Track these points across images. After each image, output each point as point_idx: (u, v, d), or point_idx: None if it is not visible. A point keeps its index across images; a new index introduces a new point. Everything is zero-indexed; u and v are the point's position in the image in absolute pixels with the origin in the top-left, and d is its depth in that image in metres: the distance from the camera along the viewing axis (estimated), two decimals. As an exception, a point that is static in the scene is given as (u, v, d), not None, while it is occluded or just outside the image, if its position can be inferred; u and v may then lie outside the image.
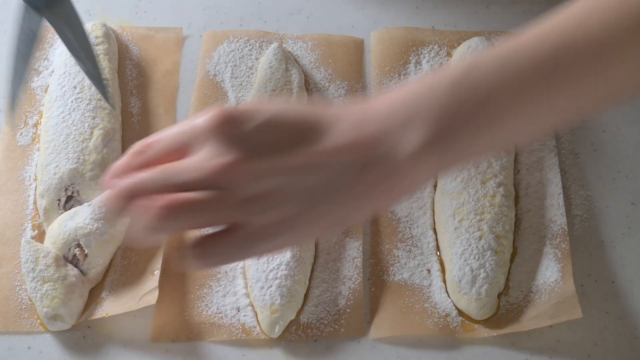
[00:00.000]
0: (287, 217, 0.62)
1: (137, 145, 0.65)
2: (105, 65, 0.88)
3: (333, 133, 0.62)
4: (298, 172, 0.62)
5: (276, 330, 0.76)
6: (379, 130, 0.62)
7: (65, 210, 0.80)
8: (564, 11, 0.62)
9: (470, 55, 0.87)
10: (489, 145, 0.64)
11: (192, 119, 0.63)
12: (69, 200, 0.81)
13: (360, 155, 0.62)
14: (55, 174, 0.81)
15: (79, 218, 0.78)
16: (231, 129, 0.61)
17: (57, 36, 0.92)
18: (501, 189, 0.80)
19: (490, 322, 0.77)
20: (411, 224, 0.82)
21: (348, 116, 0.63)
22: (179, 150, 0.63)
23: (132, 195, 0.61)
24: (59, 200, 0.81)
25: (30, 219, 0.82)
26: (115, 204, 0.62)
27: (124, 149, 0.85)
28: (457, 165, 0.66)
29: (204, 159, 0.62)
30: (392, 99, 0.63)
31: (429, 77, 0.63)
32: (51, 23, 0.80)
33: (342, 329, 0.77)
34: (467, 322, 0.77)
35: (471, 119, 0.62)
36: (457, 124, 0.62)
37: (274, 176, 0.61)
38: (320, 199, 0.62)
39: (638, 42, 0.61)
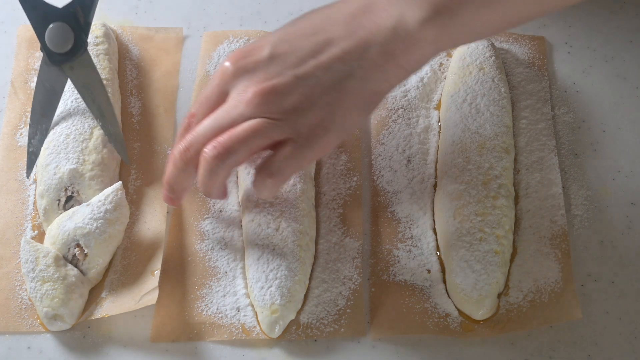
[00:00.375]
0: (324, 113, 0.70)
1: (184, 121, 0.75)
2: (105, 65, 0.88)
3: (331, 33, 0.70)
4: (313, 73, 0.70)
5: (276, 330, 0.76)
6: (379, 13, 0.69)
7: (65, 210, 0.80)
8: None
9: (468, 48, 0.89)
10: (490, 22, 0.70)
11: (214, 74, 0.72)
12: (69, 200, 0.81)
13: (364, 37, 0.69)
14: (55, 174, 0.81)
15: (78, 218, 0.78)
16: (247, 62, 0.70)
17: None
18: (502, 189, 0.80)
19: (490, 322, 0.77)
20: (411, 224, 0.82)
21: (340, 8, 0.71)
22: (219, 102, 0.72)
23: (191, 151, 0.71)
24: (59, 200, 0.81)
25: (30, 219, 0.82)
26: (181, 165, 0.72)
27: (124, 149, 0.85)
28: (460, 40, 0.73)
29: (237, 96, 0.70)
30: None
31: None
32: (72, 79, 0.83)
33: (342, 329, 0.77)
34: (467, 322, 0.77)
35: None
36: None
37: (296, 85, 0.69)
38: (342, 87, 0.70)
39: None
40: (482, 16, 0.69)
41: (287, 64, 0.70)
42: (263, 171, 0.72)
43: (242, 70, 0.71)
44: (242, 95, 0.70)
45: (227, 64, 0.71)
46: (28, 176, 0.84)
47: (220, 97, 0.72)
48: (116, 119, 0.84)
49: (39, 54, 0.91)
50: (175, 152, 0.73)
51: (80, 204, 0.80)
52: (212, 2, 0.97)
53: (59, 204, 0.80)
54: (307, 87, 0.69)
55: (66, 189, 0.81)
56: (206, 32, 0.94)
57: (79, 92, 0.82)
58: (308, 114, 0.70)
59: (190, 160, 0.72)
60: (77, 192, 0.81)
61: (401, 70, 0.71)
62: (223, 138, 0.70)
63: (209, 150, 0.70)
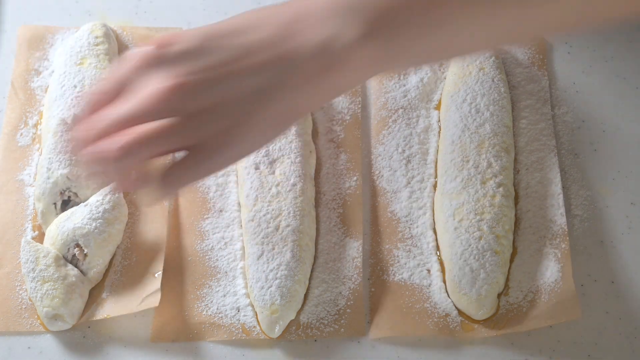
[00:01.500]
0: (235, 123, 0.63)
1: (93, 96, 0.66)
2: (106, 65, 0.88)
3: (260, 34, 0.63)
4: (233, 78, 0.63)
5: (276, 330, 0.76)
6: (312, 26, 0.62)
7: (63, 211, 0.80)
8: None
9: None
10: (434, 49, 0.64)
11: (134, 55, 0.64)
12: (67, 203, 0.80)
13: (289, 49, 0.62)
14: (48, 179, 0.80)
15: (77, 218, 0.78)
16: (169, 51, 0.63)
17: (56, 36, 0.93)
18: (501, 189, 0.80)
19: (490, 322, 0.77)
20: (411, 224, 0.82)
21: (278, 15, 0.64)
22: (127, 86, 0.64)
23: (89, 144, 0.63)
24: (55, 204, 0.80)
25: (30, 220, 0.82)
26: (84, 162, 0.64)
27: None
28: (402, 64, 0.66)
29: (150, 88, 0.63)
30: None
31: None
32: None
33: (342, 329, 0.77)
34: (467, 322, 0.77)
35: (415, 17, 0.61)
36: (399, 20, 0.61)
37: (211, 88, 0.63)
38: (259, 98, 0.63)
39: None
40: (424, 42, 0.63)
41: (208, 62, 0.63)
42: (154, 178, 0.65)
43: (162, 59, 0.63)
44: (154, 89, 0.63)
45: (149, 48, 0.64)
46: None
47: (133, 80, 0.65)
48: None
49: (39, 54, 0.91)
50: (79, 136, 0.65)
51: (78, 204, 0.80)
52: (212, 2, 0.97)
53: (55, 207, 0.80)
54: (221, 91, 0.63)
55: (62, 193, 0.80)
56: (206, 32, 0.94)
57: None
58: (217, 121, 0.63)
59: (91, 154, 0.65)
60: (75, 194, 0.80)
61: (325, 91, 0.65)
62: (124, 139, 0.63)
63: (107, 150, 0.63)
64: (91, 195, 0.80)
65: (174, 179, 0.65)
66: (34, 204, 0.83)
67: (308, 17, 0.63)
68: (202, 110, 0.63)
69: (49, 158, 0.81)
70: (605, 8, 0.62)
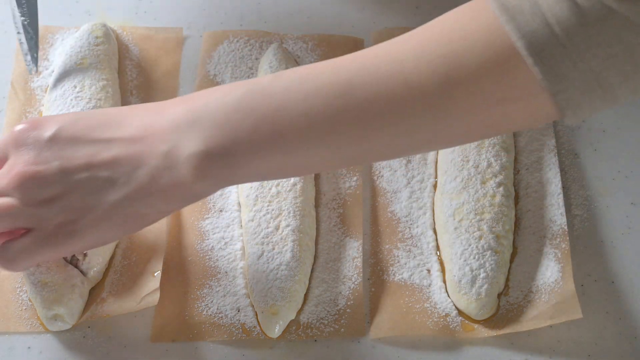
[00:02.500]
0: (78, 214, 0.67)
1: None
2: (106, 65, 0.88)
3: (119, 130, 0.67)
4: (87, 169, 0.66)
5: (276, 330, 0.76)
6: (164, 131, 0.65)
7: None
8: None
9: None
10: (274, 169, 0.66)
11: (6, 133, 0.70)
12: None
13: (140, 152, 0.66)
14: None
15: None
16: (29, 136, 0.68)
17: (56, 36, 0.93)
18: (501, 188, 0.80)
19: (490, 322, 0.77)
20: (411, 224, 0.82)
21: (139, 114, 0.68)
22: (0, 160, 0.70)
23: None
24: None
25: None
26: None
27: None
28: (244, 179, 0.68)
29: (5, 169, 0.69)
30: (187, 103, 0.66)
31: (227, 87, 0.66)
32: None
33: (342, 329, 0.77)
34: (467, 322, 0.77)
35: (249, 140, 0.63)
36: (237, 141, 0.64)
37: (63, 178, 0.67)
38: (107, 191, 0.66)
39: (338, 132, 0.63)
40: (262, 163, 0.65)
41: (60, 154, 0.67)
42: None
43: (21, 143, 0.68)
44: (8, 171, 0.68)
45: (16, 128, 0.69)
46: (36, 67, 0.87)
47: (2, 157, 0.70)
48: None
49: (39, 54, 0.91)
50: None
51: None
52: (212, 2, 0.97)
53: None
54: (68, 184, 0.67)
55: None
56: (206, 32, 0.94)
57: None
58: (59, 212, 0.67)
59: None
60: None
61: (169, 202, 0.67)
62: None
63: None
64: None
65: (11, 258, 0.69)
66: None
67: (160, 124, 0.66)
68: (48, 198, 0.67)
69: None
70: (454, 131, 0.64)
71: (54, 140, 0.68)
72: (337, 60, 0.64)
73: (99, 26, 0.91)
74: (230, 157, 0.64)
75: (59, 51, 0.91)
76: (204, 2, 0.97)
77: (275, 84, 0.64)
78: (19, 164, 0.68)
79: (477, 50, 0.60)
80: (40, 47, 0.92)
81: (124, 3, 0.97)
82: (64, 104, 0.85)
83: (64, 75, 0.87)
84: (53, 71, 0.90)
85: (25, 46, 0.87)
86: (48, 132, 0.68)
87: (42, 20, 0.91)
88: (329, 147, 0.64)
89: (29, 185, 0.67)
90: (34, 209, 0.68)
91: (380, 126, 0.62)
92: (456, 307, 0.78)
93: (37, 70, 0.89)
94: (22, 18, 0.85)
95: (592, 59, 0.59)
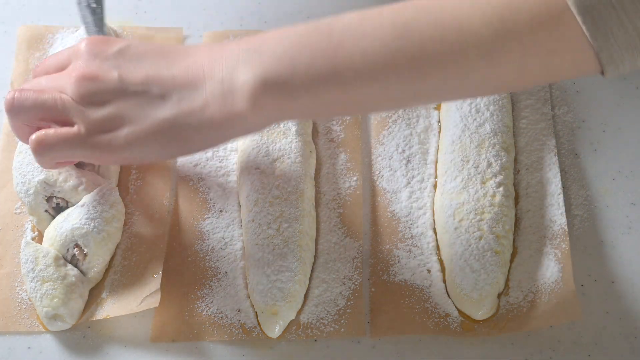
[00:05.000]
0: (120, 126, 0.70)
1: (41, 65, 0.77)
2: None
3: (181, 57, 0.70)
4: (139, 86, 0.69)
5: (276, 330, 0.76)
6: (223, 60, 0.68)
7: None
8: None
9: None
10: (330, 104, 0.68)
11: (78, 43, 0.73)
12: (59, 209, 0.80)
13: (197, 76, 0.68)
14: (28, 191, 0.80)
15: (74, 219, 0.77)
16: (99, 49, 0.72)
17: (56, 36, 0.93)
18: (501, 189, 0.80)
19: (490, 322, 0.77)
20: (411, 224, 0.82)
21: (202, 48, 0.71)
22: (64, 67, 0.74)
23: (15, 104, 0.73)
24: (46, 210, 0.80)
25: (30, 220, 0.82)
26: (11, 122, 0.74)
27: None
28: (293, 114, 0.71)
29: (68, 68, 0.73)
30: (248, 40, 0.69)
31: (288, 28, 0.68)
32: None
33: (342, 329, 0.77)
34: (467, 322, 0.77)
35: (305, 73, 0.66)
36: (293, 72, 0.66)
37: (115, 88, 0.70)
38: (154, 112, 0.69)
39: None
40: (315, 97, 0.67)
41: (122, 66, 0.71)
42: (33, 140, 0.73)
43: (87, 51, 0.72)
44: (69, 71, 0.72)
45: (86, 43, 0.72)
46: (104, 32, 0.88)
47: (67, 63, 0.74)
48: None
49: (39, 54, 0.91)
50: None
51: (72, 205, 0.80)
52: (212, 2, 0.97)
53: (48, 213, 0.80)
54: (122, 93, 0.70)
55: (48, 199, 0.80)
56: (206, 32, 0.94)
57: None
58: (106, 116, 0.70)
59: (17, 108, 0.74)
60: (63, 199, 0.80)
61: (219, 130, 0.69)
62: (24, 92, 0.73)
63: (8, 95, 0.73)
64: (81, 198, 0.80)
65: (46, 139, 0.72)
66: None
67: (219, 57, 0.68)
68: (99, 100, 0.70)
69: (21, 173, 0.80)
70: (506, 77, 0.66)
71: (119, 54, 0.71)
72: (395, 5, 0.67)
73: (99, 26, 0.91)
74: (286, 87, 0.66)
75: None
76: (204, 2, 0.97)
77: (335, 23, 0.67)
78: (81, 67, 0.71)
79: (531, 2, 0.63)
80: (40, 47, 0.92)
81: (124, 3, 0.97)
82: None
83: (64, 75, 0.87)
84: (53, 71, 0.90)
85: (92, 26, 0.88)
86: (115, 47, 0.72)
87: (42, 21, 0.92)
88: (381, 86, 0.66)
89: (86, 85, 0.70)
90: (84, 106, 0.70)
91: (433, 69, 0.65)
92: (456, 307, 0.78)
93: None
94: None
95: (638, 19, 0.62)
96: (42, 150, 0.72)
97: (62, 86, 0.72)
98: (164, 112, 0.69)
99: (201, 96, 0.68)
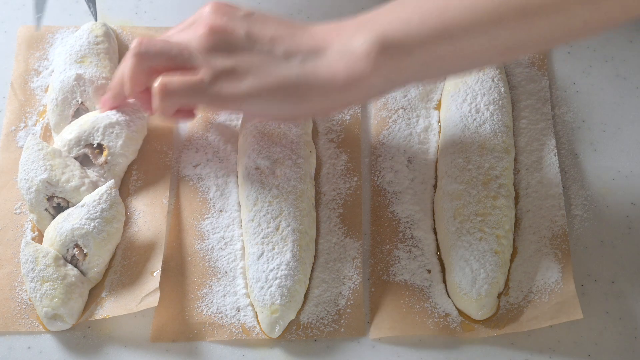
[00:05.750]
0: (242, 75, 0.73)
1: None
2: (106, 64, 0.88)
3: (305, 27, 0.75)
4: (265, 45, 0.74)
5: (276, 330, 0.76)
6: (342, 31, 0.73)
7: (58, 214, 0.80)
8: None
9: None
10: (439, 64, 0.72)
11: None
12: (60, 209, 0.80)
13: (320, 43, 0.73)
14: (30, 189, 0.80)
15: (74, 219, 0.77)
16: (228, 9, 0.75)
17: (56, 36, 0.93)
18: (501, 189, 0.80)
19: (490, 322, 0.77)
20: (411, 225, 0.82)
21: (322, 26, 0.75)
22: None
23: (142, 49, 0.76)
24: (47, 209, 0.80)
25: (30, 220, 0.82)
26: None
27: (124, 149, 0.85)
28: (408, 73, 0.73)
29: (199, 22, 0.76)
30: (362, 15, 0.73)
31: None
32: None
33: (342, 329, 0.77)
34: (467, 322, 0.77)
35: (417, 32, 0.70)
36: (407, 32, 0.70)
37: (241, 42, 0.74)
38: (277, 68, 0.73)
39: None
40: (427, 53, 0.71)
41: (251, 26, 0.74)
42: (159, 84, 0.75)
43: (218, 10, 0.75)
44: (197, 26, 0.75)
45: (212, 4, 0.76)
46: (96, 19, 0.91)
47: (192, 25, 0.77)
48: None
49: (39, 54, 0.91)
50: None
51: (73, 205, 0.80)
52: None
53: (48, 212, 0.80)
54: (247, 48, 0.74)
55: (49, 199, 0.80)
56: (206, 32, 0.94)
57: None
58: (229, 64, 0.73)
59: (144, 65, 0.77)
60: (64, 199, 0.80)
61: (341, 91, 0.73)
62: (152, 39, 0.76)
63: (135, 40, 0.76)
64: (81, 198, 0.80)
65: (171, 84, 0.74)
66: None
67: (339, 28, 0.74)
68: (225, 50, 0.74)
69: (25, 170, 0.80)
70: (610, 14, 0.69)
71: (248, 16, 0.75)
72: None
73: (99, 25, 0.90)
74: (401, 46, 0.70)
75: (59, 51, 0.91)
76: (204, 2, 0.97)
77: None
78: (211, 20, 0.75)
79: None
80: (40, 47, 0.92)
81: (124, 3, 0.97)
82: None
83: (63, 74, 0.87)
84: (53, 71, 0.90)
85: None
86: (242, 11, 0.76)
87: (42, 20, 0.92)
88: (489, 38, 0.70)
89: (214, 36, 0.74)
90: (209, 54, 0.74)
91: (539, 17, 0.68)
92: (456, 307, 0.78)
93: (96, 20, 0.92)
94: None
95: None
96: (166, 95, 0.75)
97: (189, 39, 0.75)
98: (288, 70, 0.73)
99: (323, 61, 0.72)
